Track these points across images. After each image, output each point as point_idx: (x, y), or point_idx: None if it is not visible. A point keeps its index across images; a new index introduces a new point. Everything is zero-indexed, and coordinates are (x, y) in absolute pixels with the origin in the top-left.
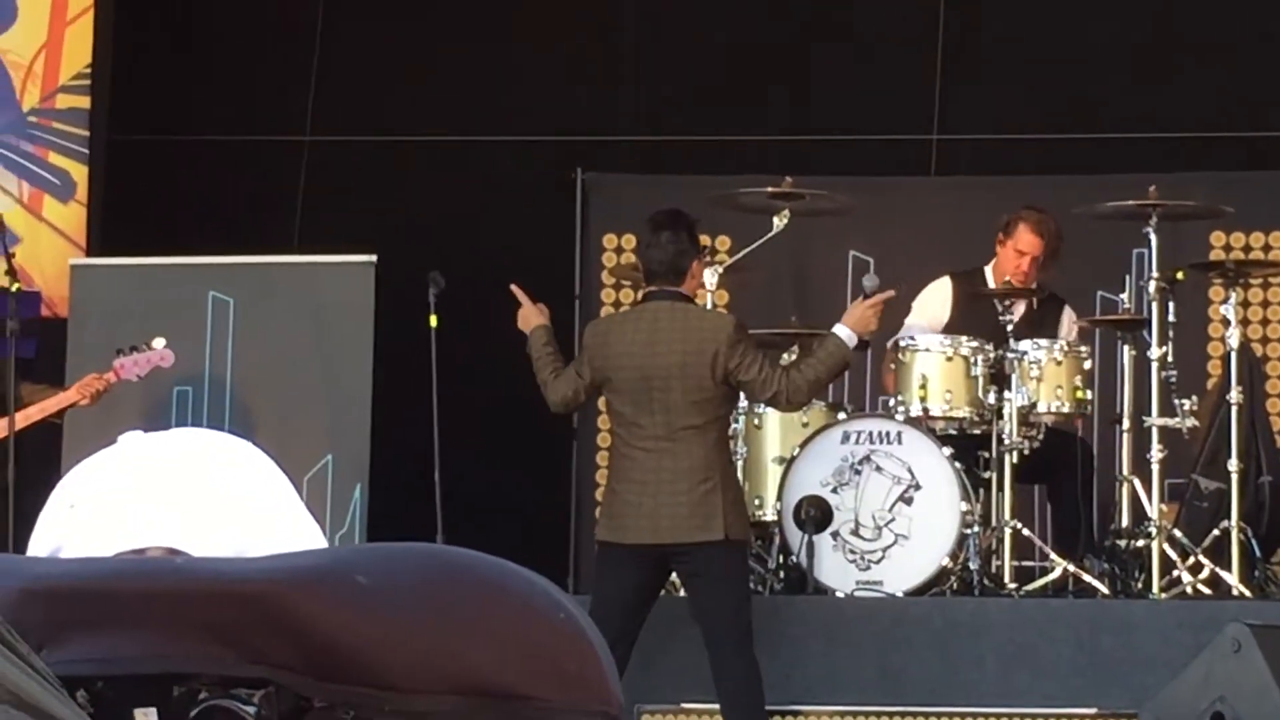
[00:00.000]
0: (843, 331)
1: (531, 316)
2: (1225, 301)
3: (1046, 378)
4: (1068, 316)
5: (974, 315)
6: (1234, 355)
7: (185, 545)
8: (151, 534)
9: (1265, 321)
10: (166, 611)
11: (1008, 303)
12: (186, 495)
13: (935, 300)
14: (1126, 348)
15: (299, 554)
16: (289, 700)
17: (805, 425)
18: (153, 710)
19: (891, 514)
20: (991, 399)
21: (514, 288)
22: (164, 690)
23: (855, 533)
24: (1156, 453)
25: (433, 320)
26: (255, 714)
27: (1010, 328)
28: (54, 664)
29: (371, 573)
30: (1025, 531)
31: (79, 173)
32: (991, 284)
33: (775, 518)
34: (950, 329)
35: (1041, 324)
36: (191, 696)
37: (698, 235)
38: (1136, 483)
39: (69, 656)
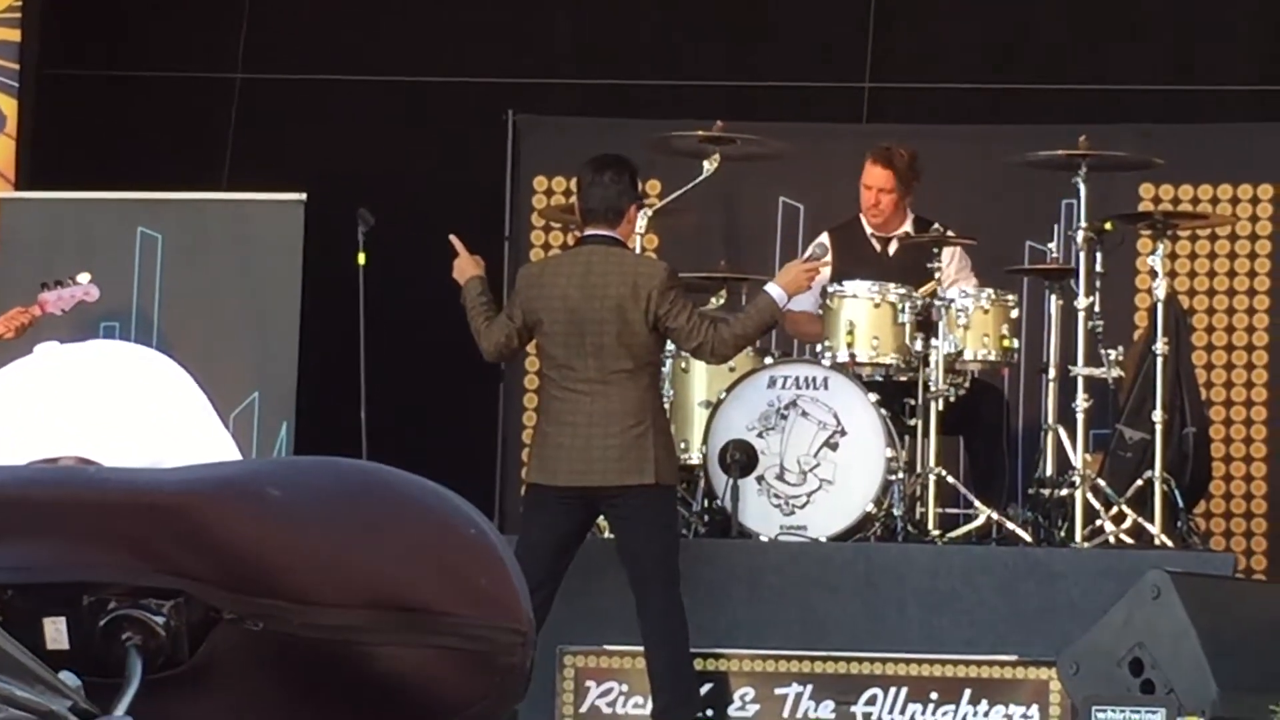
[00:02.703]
0: (774, 290)
1: (467, 267)
2: (1153, 253)
3: (974, 326)
4: (954, 255)
5: (854, 263)
6: (1160, 306)
7: (98, 455)
8: (64, 443)
9: (1192, 274)
10: (77, 520)
11: (936, 250)
12: (100, 405)
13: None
14: (1054, 297)
15: (211, 465)
16: (198, 611)
17: (732, 370)
18: (62, 619)
19: (816, 459)
20: (919, 346)
21: (452, 239)
22: (73, 599)
23: (780, 477)
24: (1082, 402)
25: (361, 258)
26: (164, 624)
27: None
28: None
29: (284, 485)
30: (949, 479)
31: (9, 106)
32: (866, 228)
33: (700, 461)
34: (834, 279)
35: (916, 263)
36: (101, 605)
37: (638, 182)
38: (1061, 432)
39: None
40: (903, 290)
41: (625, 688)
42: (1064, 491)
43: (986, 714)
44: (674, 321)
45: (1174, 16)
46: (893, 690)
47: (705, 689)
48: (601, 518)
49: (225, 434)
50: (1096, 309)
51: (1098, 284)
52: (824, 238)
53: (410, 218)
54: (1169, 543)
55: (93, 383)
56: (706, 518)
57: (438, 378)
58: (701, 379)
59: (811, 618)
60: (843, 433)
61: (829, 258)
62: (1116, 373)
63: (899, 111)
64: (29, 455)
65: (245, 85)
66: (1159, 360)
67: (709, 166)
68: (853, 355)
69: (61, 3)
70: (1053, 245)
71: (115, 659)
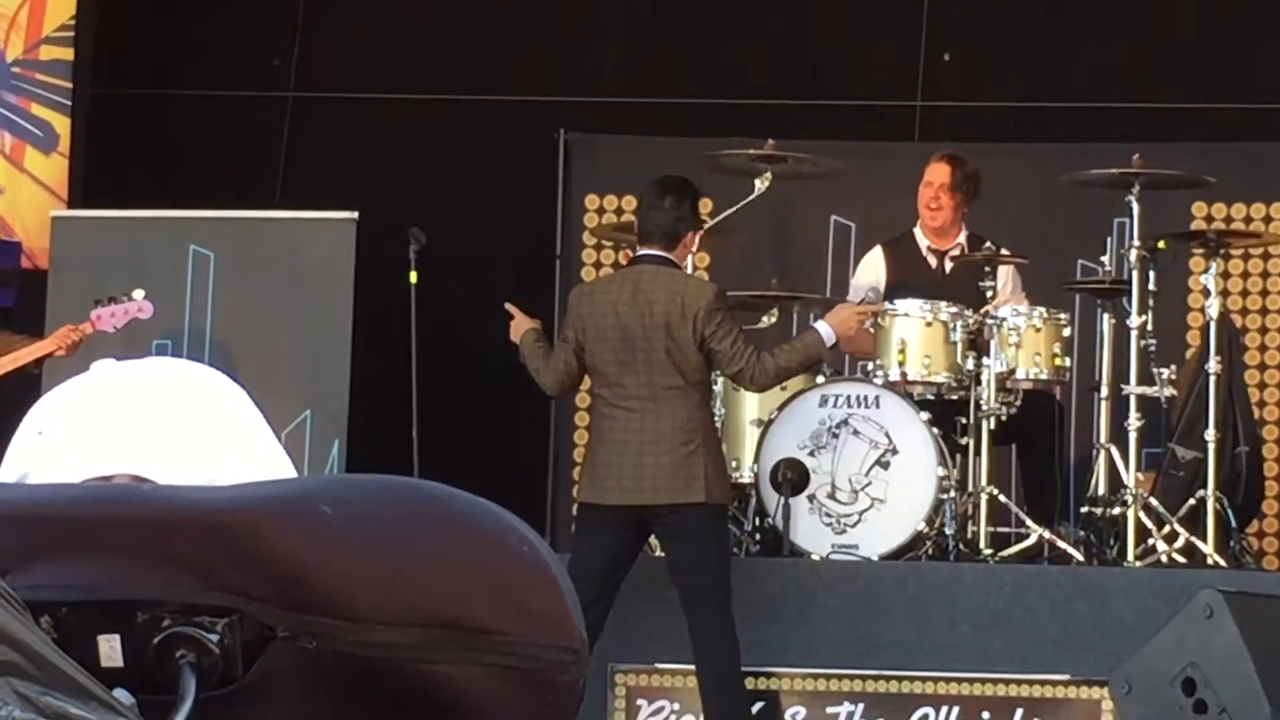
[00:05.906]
0: (823, 329)
1: (523, 324)
2: (1205, 271)
3: (1025, 344)
4: (1009, 275)
5: (908, 277)
6: (1213, 325)
7: (152, 473)
8: (119, 461)
9: (1245, 292)
10: (131, 538)
11: (988, 270)
12: (155, 423)
13: (869, 270)
14: (1106, 316)
15: (265, 483)
16: (253, 629)
17: (784, 388)
18: (116, 636)
19: (868, 478)
20: (970, 365)
21: (508, 306)
22: (128, 617)
23: (832, 496)
24: (1134, 421)
25: (413, 277)
26: (218, 642)
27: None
28: (18, 589)
29: (337, 503)
30: (1001, 498)
31: (61, 124)
32: (921, 242)
33: (752, 480)
34: (887, 295)
35: (970, 280)
36: (155, 623)
37: (699, 208)
38: (1114, 451)
39: (33, 582)
40: (954, 309)
41: (677, 706)
42: (1116, 510)
43: None
44: (718, 344)
45: (1226, 34)
46: (944, 709)
47: (756, 707)
48: (653, 535)
49: (281, 451)
50: (1149, 328)
51: (1150, 303)
52: (877, 251)
53: (462, 236)
54: (1222, 562)
55: (148, 400)
56: (758, 536)
57: (490, 396)
58: (753, 397)
59: (863, 636)
60: (894, 451)
61: (882, 301)
62: (1169, 391)
63: (951, 130)
64: (84, 473)
65: (297, 104)
66: (1212, 379)
67: (760, 185)
68: (904, 374)
69: (114, 22)
70: (1105, 262)
71: (169, 677)
